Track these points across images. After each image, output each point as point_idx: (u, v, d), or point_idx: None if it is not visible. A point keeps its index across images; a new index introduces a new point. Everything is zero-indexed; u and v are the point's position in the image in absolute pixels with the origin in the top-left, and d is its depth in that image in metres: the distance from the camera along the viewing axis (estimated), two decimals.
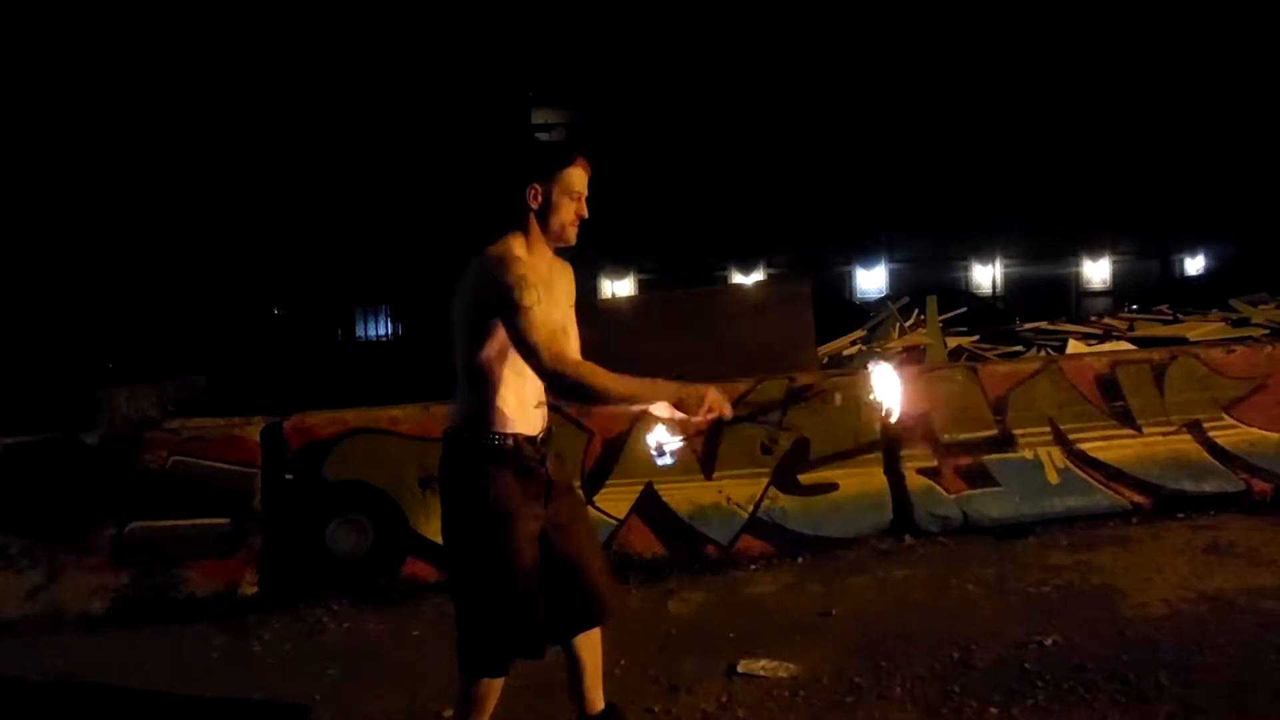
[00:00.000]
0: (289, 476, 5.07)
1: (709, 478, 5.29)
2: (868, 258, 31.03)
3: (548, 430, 2.84)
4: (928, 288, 14.10)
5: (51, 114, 18.95)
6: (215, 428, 5.27)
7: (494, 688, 2.81)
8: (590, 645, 2.99)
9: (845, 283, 30.83)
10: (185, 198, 20.80)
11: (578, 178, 2.78)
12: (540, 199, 2.75)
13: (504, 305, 2.58)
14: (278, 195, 22.32)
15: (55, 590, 4.85)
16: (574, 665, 2.99)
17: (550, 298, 2.74)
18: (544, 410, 2.84)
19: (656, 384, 2.66)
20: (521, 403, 2.74)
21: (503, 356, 2.67)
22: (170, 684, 3.97)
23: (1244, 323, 7.61)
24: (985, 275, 31.26)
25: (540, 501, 2.78)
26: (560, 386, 2.60)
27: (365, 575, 4.94)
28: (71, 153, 19.10)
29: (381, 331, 27.96)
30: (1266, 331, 7.33)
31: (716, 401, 2.66)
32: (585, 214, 2.80)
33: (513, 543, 2.68)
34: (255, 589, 4.91)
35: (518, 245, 2.74)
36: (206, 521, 5.02)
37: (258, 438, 5.12)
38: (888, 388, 2.91)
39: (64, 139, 19.05)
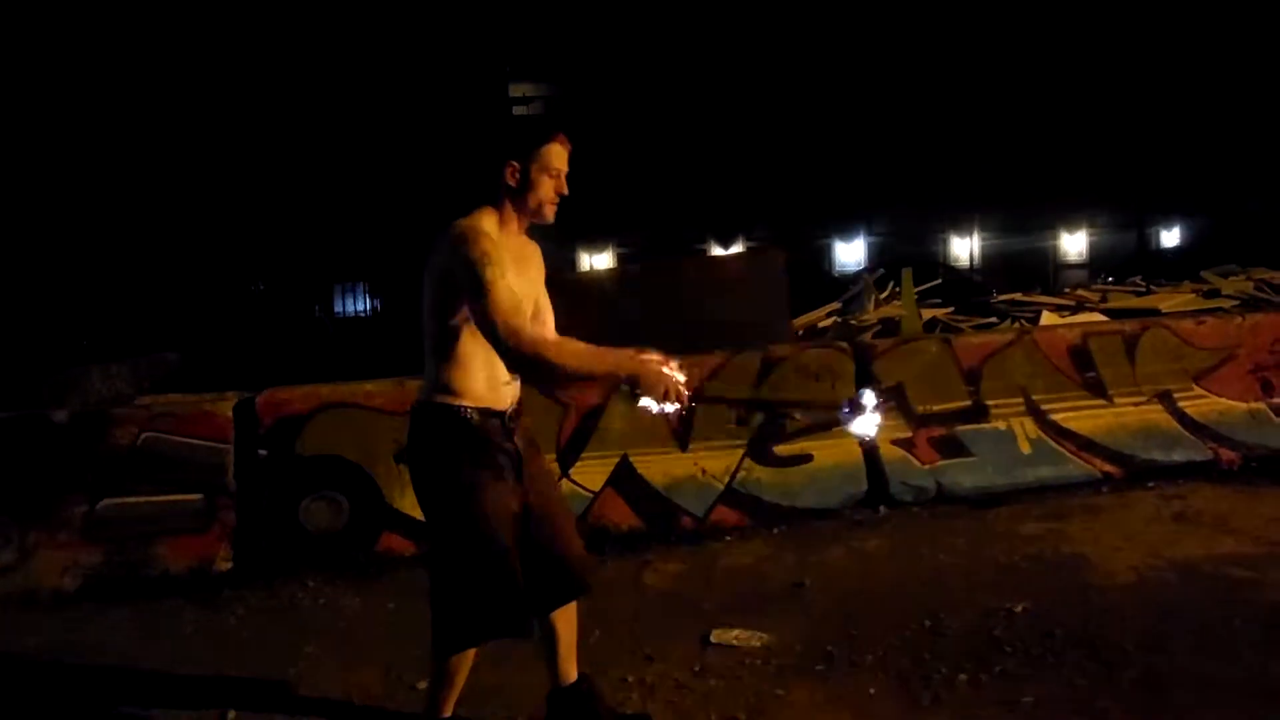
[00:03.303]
0: (262, 452, 5.04)
1: (684, 450, 5.31)
2: (846, 230, 31.07)
3: (517, 407, 2.83)
4: (906, 260, 14.09)
5: (29, 95, 18.65)
6: (187, 404, 5.23)
7: (464, 661, 2.82)
8: (566, 618, 3.01)
9: (824, 255, 30.86)
10: (164, 176, 20.57)
11: (557, 154, 2.73)
12: (519, 177, 2.70)
13: (468, 280, 2.54)
14: (256, 173, 22.11)
15: (27, 568, 4.83)
16: (550, 638, 3.01)
17: (521, 274, 2.72)
18: (514, 388, 2.81)
19: (612, 354, 2.54)
20: (490, 378, 2.72)
21: (472, 330, 2.63)
22: (145, 660, 3.96)
23: (1215, 294, 7.68)
24: (963, 248, 31.38)
25: (511, 476, 2.76)
26: (515, 361, 2.55)
27: (340, 550, 4.93)
28: (51, 133, 18.84)
29: (360, 308, 27.84)
30: (1236, 303, 7.40)
31: (671, 383, 2.53)
32: (565, 191, 2.76)
33: (480, 515, 2.67)
34: (230, 565, 4.90)
35: (488, 220, 2.70)
36: (179, 498, 4.99)
37: (230, 414, 5.08)
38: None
39: (43, 120, 18.77)
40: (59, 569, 4.82)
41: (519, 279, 2.69)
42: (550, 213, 2.76)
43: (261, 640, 4.15)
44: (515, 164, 2.70)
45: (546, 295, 2.95)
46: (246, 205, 22.20)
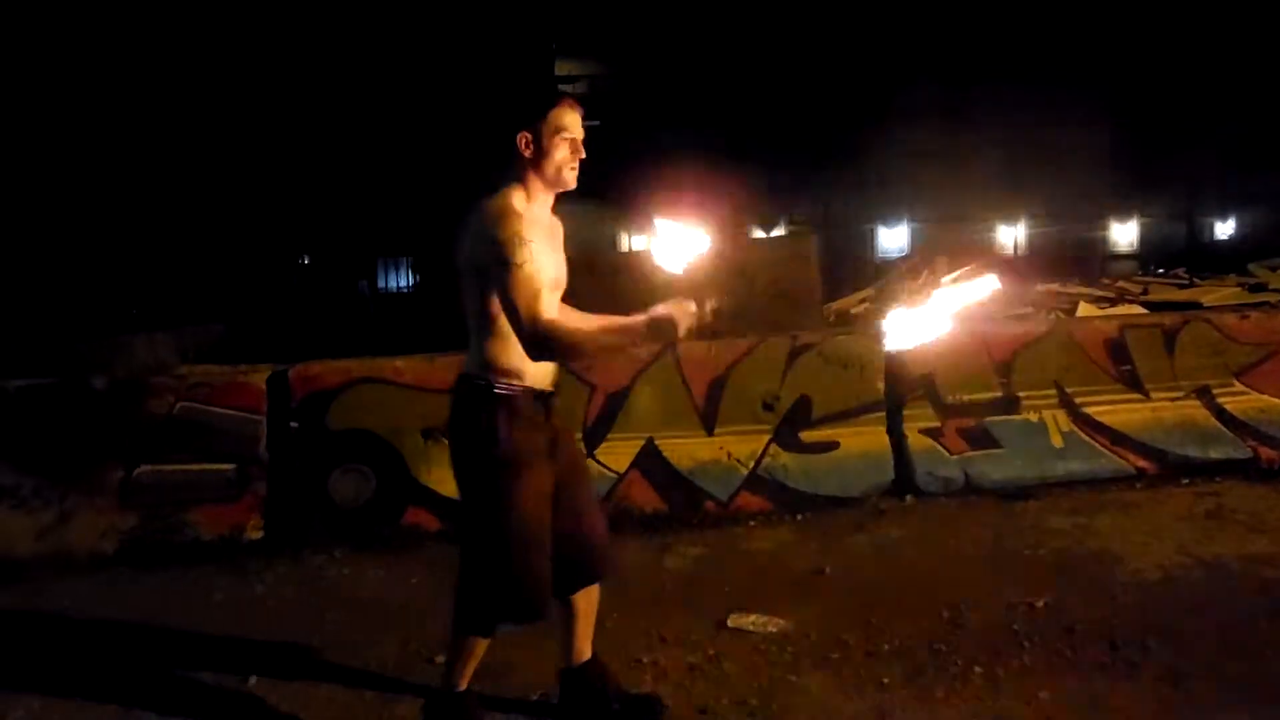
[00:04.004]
0: (294, 424, 5.13)
1: (710, 433, 5.30)
2: (890, 216, 30.72)
3: (556, 386, 2.86)
4: (951, 248, 13.93)
5: (87, 67, 18.97)
6: (222, 375, 5.32)
7: (483, 640, 2.87)
8: (588, 598, 3.03)
9: (867, 241, 30.58)
10: (215, 151, 20.86)
11: (566, 117, 2.72)
12: (532, 146, 2.71)
13: (495, 260, 2.57)
14: (302, 148, 22.33)
15: (66, 531, 4.95)
16: (569, 618, 3.04)
17: (555, 252, 2.76)
18: (554, 367, 2.84)
19: (625, 326, 2.64)
20: None
21: None
22: (174, 624, 4.06)
23: (1261, 288, 7.49)
24: (1009, 236, 30.90)
25: (549, 454, 2.79)
26: (534, 346, 2.59)
27: (367, 523, 5.00)
28: (106, 106, 19.16)
29: (403, 283, 28.08)
30: None
31: (687, 317, 2.59)
32: (582, 154, 2.76)
33: (519, 493, 2.69)
34: (260, 534, 4.99)
35: (516, 197, 2.71)
36: (212, 467, 5.09)
37: (263, 385, 5.17)
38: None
39: (99, 92, 19.09)
40: (96, 532, 4.94)
41: (553, 254, 2.74)
42: (571, 178, 2.76)
43: (287, 609, 4.24)
44: (527, 134, 2.70)
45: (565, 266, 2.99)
46: (293, 180, 22.44)
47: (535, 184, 2.75)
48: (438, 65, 23.77)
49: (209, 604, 4.32)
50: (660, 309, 2.61)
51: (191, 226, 20.46)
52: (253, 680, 3.49)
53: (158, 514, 4.99)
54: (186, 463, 5.09)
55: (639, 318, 2.63)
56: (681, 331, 2.60)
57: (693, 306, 2.61)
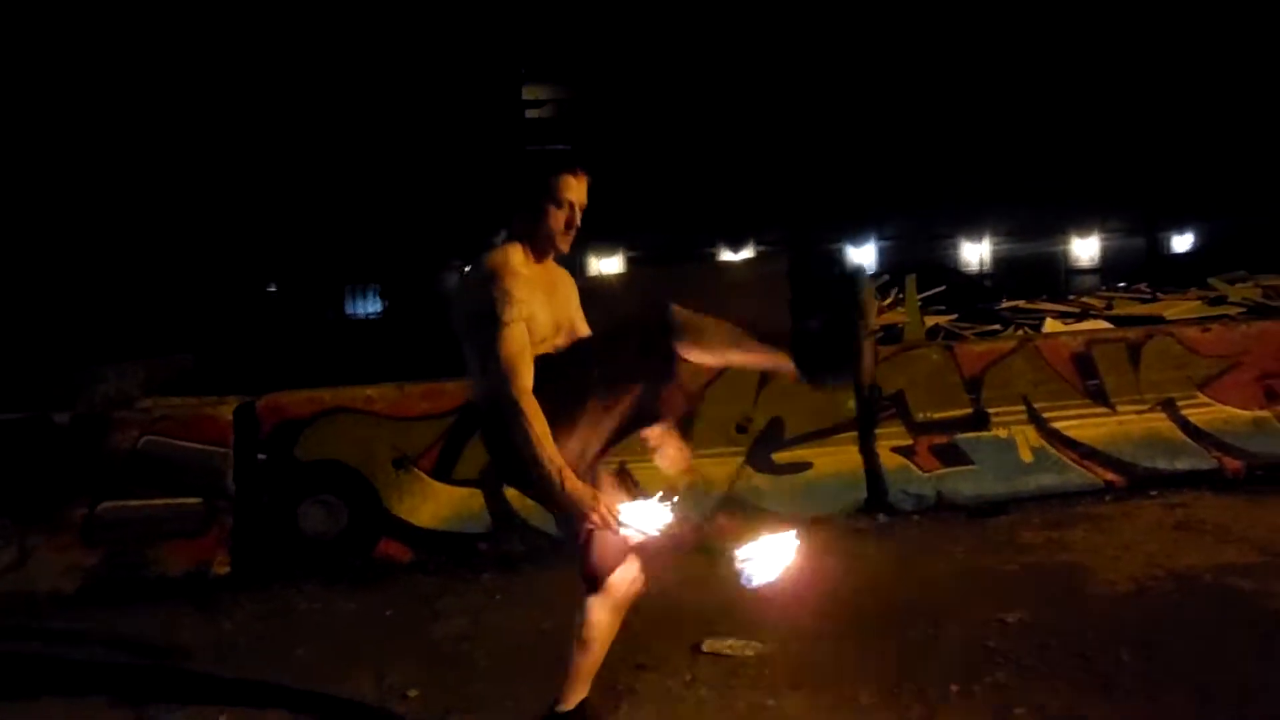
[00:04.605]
0: (262, 456, 5.06)
1: None
2: (857, 235, 31.01)
3: None
4: (916, 265, 14.04)
5: (48, 96, 18.80)
6: (187, 407, 5.24)
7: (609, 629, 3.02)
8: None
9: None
10: (179, 180, 20.74)
11: (567, 185, 2.77)
12: (532, 210, 2.77)
13: (485, 314, 2.62)
14: (268, 175, 22.24)
15: (27, 569, 4.84)
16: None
17: (551, 299, 2.79)
18: None
19: (561, 473, 2.57)
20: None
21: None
22: (141, 662, 3.98)
23: (1221, 301, 7.62)
24: (974, 253, 31.27)
25: None
26: (498, 399, 2.60)
27: (338, 555, 4.94)
28: (70, 137, 19.00)
29: (371, 310, 27.97)
30: (1243, 310, 7.34)
31: (599, 517, 2.60)
32: (576, 223, 2.81)
33: None
34: (227, 569, 4.91)
35: (515, 255, 2.76)
36: (178, 501, 5.00)
37: (230, 417, 5.10)
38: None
39: (59, 122, 18.93)
40: (58, 570, 4.83)
41: (549, 304, 2.77)
42: (563, 242, 2.81)
43: (257, 644, 4.16)
44: (529, 197, 2.76)
45: (581, 315, 3.00)
46: (259, 207, 22.32)
47: (531, 243, 2.80)
48: (405, 92, 23.79)
49: (177, 642, 4.22)
50: (587, 493, 2.60)
51: (158, 256, 20.28)
52: (223, 719, 3.41)
53: (122, 551, 4.90)
54: (151, 498, 5.00)
55: (569, 480, 2.58)
56: (582, 517, 2.61)
57: (601, 510, 2.60)
